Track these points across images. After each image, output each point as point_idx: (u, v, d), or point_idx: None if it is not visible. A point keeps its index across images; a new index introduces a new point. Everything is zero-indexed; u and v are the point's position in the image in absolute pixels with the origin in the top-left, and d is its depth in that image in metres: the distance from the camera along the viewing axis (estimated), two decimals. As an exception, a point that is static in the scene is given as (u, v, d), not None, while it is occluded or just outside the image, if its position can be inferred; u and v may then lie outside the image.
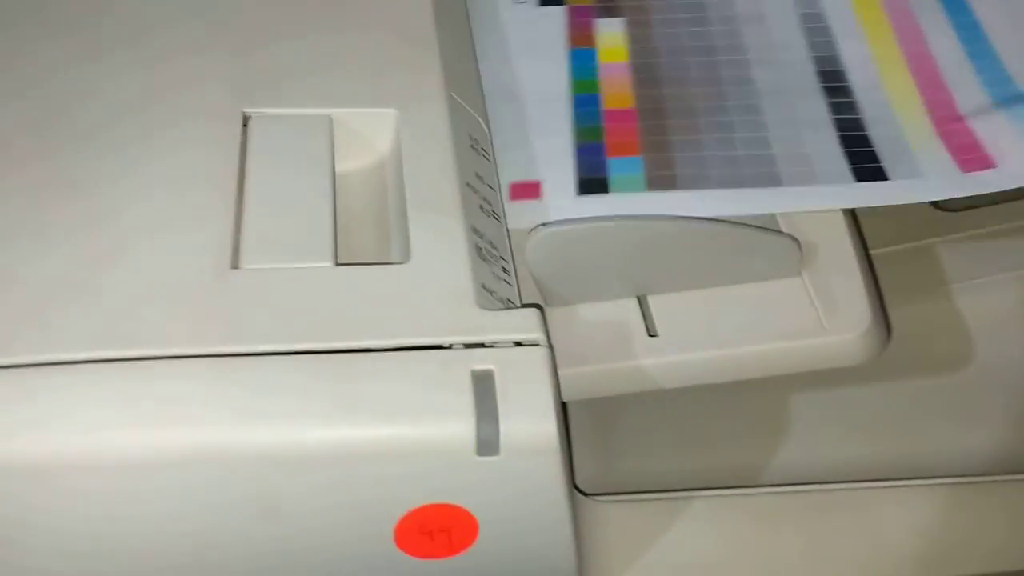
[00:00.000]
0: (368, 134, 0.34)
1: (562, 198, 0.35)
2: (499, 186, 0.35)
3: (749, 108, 0.39)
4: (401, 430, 0.26)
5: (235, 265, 0.29)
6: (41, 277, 0.28)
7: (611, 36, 0.42)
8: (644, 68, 0.40)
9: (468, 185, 0.32)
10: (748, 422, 0.36)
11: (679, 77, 0.40)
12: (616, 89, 0.39)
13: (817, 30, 0.42)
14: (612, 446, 0.35)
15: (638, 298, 0.33)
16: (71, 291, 0.28)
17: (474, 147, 0.34)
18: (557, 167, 0.36)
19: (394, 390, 0.27)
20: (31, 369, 0.26)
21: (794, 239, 0.33)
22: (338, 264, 0.29)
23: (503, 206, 0.34)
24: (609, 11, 0.43)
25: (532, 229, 0.32)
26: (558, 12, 0.43)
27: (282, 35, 0.35)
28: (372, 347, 0.27)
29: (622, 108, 0.39)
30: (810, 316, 0.32)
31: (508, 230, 0.34)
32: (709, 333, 0.32)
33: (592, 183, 0.36)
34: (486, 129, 0.37)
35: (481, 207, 0.32)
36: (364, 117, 0.34)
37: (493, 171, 0.35)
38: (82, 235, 0.29)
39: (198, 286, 0.28)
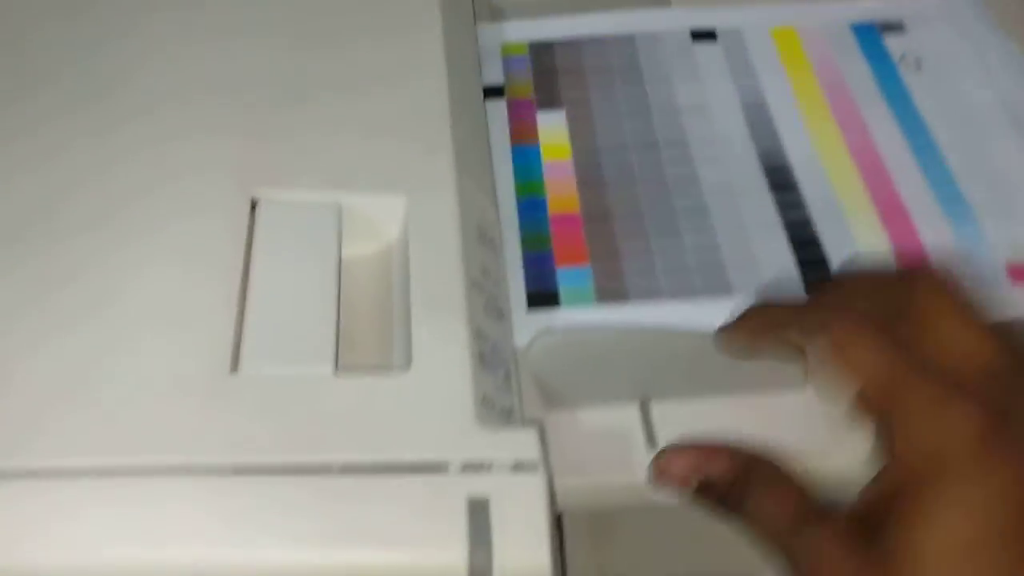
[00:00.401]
0: (377, 220, 0.34)
1: (513, 313, 0.34)
2: (505, 278, 0.35)
3: (697, 209, 0.38)
4: (392, 556, 0.26)
5: (234, 369, 0.28)
6: (35, 376, 0.28)
7: (554, 131, 0.41)
8: (588, 167, 0.39)
9: (474, 283, 0.32)
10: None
11: (624, 177, 0.39)
12: (561, 191, 0.39)
13: (760, 121, 0.41)
14: (608, 555, 0.35)
15: (640, 403, 0.33)
16: (67, 392, 0.27)
17: (482, 238, 0.34)
18: (507, 278, 0.35)
19: (387, 513, 0.26)
20: (20, 478, 0.26)
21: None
22: (338, 370, 0.29)
23: (509, 299, 0.34)
24: (550, 103, 0.42)
25: (534, 336, 0.32)
26: (499, 105, 0.42)
27: (296, 111, 0.35)
28: (368, 464, 0.27)
29: (568, 212, 0.38)
30: (813, 433, 0.32)
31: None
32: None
33: (541, 297, 0.35)
34: (496, 215, 0.36)
35: (486, 306, 0.32)
36: (373, 203, 0.33)
37: (501, 262, 0.35)
38: (81, 329, 0.29)
39: (197, 391, 0.28)
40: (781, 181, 0.39)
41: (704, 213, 0.38)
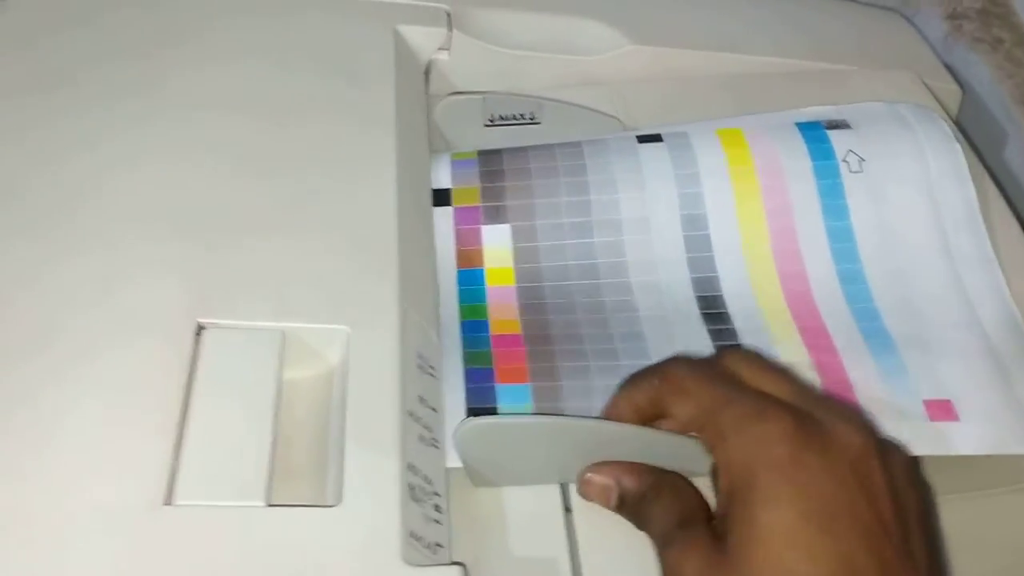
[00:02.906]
0: (319, 347, 0.35)
1: (451, 429, 0.35)
2: (442, 405, 0.36)
3: (633, 335, 0.39)
4: None
5: (168, 501, 0.29)
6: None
7: (498, 252, 0.42)
8: (530, 293, 0.41)
9: (410, 414, 0.33)
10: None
11: (565, 304, 0.40)
12: (503, 315, 0.40)
13: (698, 242, 0.42)
14: None
15: (560, 487, 0.35)
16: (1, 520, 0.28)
17: (421, 366, 0.35)
18: (448, 392, 0.37)
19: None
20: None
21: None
22: (270, 504, 0.30)
23: (444, 427, 0.35)
24: (496, 215, 0.42)
25: (461, 421, 0.33)
26: (446, 215, 0.42)
27: (245, 238, 0.36)
28: (293, 603, 0.28)
29: (510, 333, 0.39)
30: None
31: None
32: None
33: (481, 414, 0.36)
34: (436, 340, 0.37)
35: (421, 437, 0.33)
36: (317, 332, 0.34)
37: (438, 389, 0.36)
38: (17, 455, 0.30)
39: (130, 522, 0.29)
40: (714, 310, 0.40)
41: (640, 338, 0.39)
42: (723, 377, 0.33)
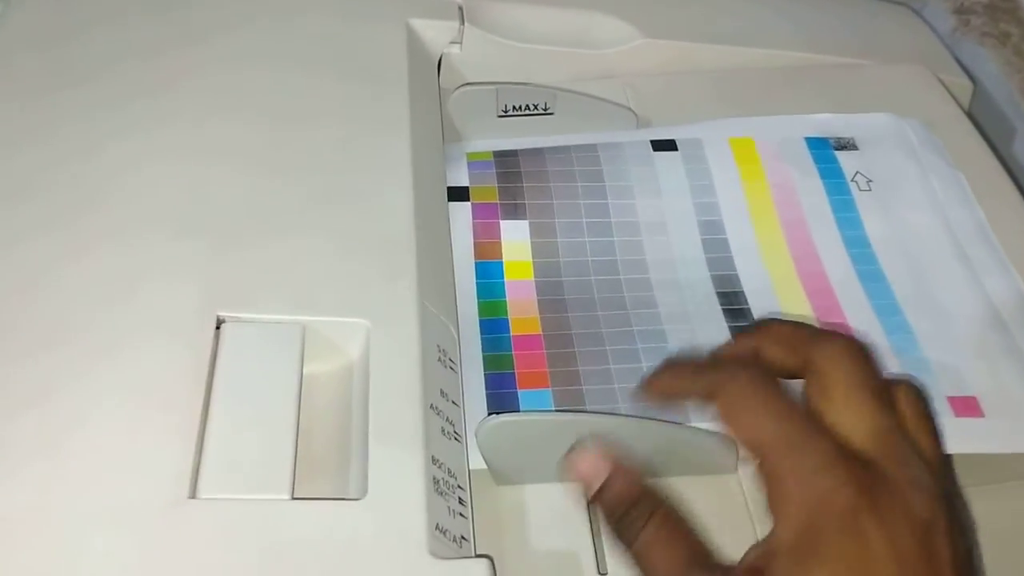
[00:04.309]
0: (339, 341, 0.34)
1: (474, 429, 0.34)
2: (463, 398, 0.36)
3: (654, 334, 0.39)
4: None
5: (192, 494, 0.29)
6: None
7: (517, 246, 0.42)
8: (549, 288, 0.40)
9: (432, 407, 0.33)
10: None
11: (585, 300, 0.40)
12: (523, 312, 0.39)
13: (715, 243, 0.43)
14: None
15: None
16: (21, 524, 0.28)
17: (441, 359, 0.35)
18: (469, 398, 0.36)
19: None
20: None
21: (732, 439, 0.34)
22: (295, 497, 0.30)
23: (465, 421, 0.35)
24: (514, 211, 0.43)
25: (483, 418, 0.33)
26: (464, 209, 0.43)
27: (262, 235, 0.36)
28: (321, 596, 0.28)
29: (530, 334, 0.39)
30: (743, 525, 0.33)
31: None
32: None
33: None
34: (455, 334, 0.37)
35: (443, 430, 0.33)
36: (336, 326, 0.34)
37: (458, 382, 0.36)
38: (39, 452, 0.29)
39: (154, 516, 0.28)
40: (734, 307, 0.40)
41: (661, 338, 0.39)
42: (792, 409, 0.29)
